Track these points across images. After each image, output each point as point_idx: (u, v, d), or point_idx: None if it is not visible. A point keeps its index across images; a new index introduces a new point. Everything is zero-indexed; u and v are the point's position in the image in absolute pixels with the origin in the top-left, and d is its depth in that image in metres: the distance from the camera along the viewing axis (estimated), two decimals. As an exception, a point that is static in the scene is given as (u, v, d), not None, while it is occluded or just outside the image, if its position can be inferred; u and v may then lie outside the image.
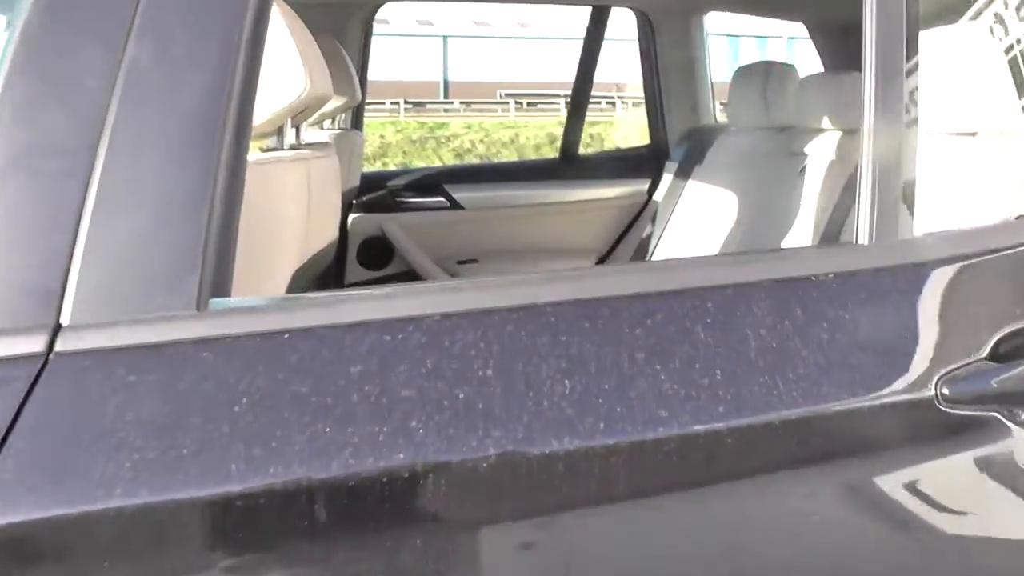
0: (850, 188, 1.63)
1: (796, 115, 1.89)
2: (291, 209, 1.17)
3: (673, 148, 2.53)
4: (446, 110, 13.37)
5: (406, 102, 12.72)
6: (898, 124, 0.86)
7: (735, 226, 2.01)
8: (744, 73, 2.12)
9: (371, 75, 2.53)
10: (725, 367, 0.73)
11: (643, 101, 2.64)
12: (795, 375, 0.74)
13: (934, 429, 0.80)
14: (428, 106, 13.31)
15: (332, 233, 1.56)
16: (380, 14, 2.45)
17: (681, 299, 0.75)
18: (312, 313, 0.68)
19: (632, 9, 2.53)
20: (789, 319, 0.76)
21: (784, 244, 1.73)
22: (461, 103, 13.63)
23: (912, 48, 0.87)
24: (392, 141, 10.17)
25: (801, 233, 1.70)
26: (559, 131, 3.02)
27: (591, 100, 2.65)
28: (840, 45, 2.32)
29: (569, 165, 2.60)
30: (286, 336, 0.65)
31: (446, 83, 14.54)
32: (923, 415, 0.78)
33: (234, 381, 0.63)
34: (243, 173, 0.68)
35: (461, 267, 2.40)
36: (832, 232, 1.59)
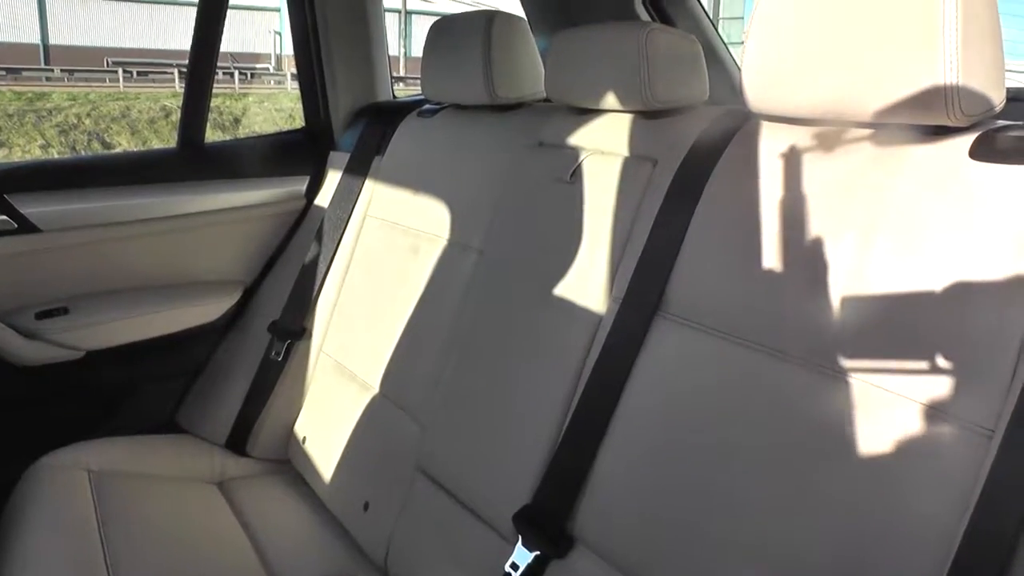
0: (649, 200, 1.12)
1: (551, 83, 1.33)
2: None
3: (339, 134, 1.88)
4: (47, 78, 12.30)
5: (-1, 68, 11.37)
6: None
7: (460, 228, 1.42)
8: (452, 24, 1.52)
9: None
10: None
11: (293, 73, 1.94)
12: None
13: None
14: (25, 73, 12.32)
15: None
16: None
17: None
18: None
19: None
20: None
21: (561, 250, 1.18)
22: (63, 71, 12.46)
23: None
24: (-22, 114, 8.87)
25: (591, 243, 1.16)
26: (176, 104, 2.19)
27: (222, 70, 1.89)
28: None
29: (193, 159, 1.79)
30: None
31: (46, 47, 13.20)
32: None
33: None
34: None
35: (43, 323, 1.54)
36: (652, 269, 1.06)
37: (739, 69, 0.98)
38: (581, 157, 1.23)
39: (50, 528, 1.26)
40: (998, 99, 0.84)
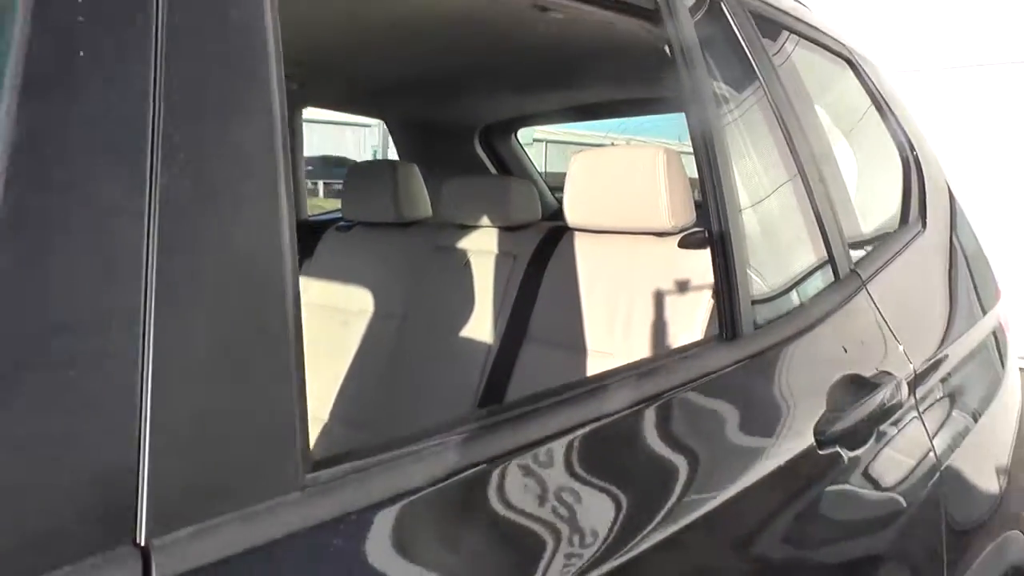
0: (512, 281, 1.83)
1: (444, 211, 2.03)
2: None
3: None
4: None
5: None
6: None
7: (381, 323, 2.05)
8: (368, 168, 2.21)
9: None
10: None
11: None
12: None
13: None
14: None
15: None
16: None
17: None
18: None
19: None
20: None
21: (464, 335, 1.84)
22: None
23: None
24: None
25: (480, 324, 1.84)
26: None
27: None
28: (416, 140, 2.60)
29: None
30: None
31: None
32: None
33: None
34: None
35: None
36: (518, 323, 1.76)
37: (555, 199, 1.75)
38: (468, 255, 1.95)
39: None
40: (691, 217, 1.63)
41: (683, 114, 1.14)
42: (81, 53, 0.46)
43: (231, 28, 0.54)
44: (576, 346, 1.66)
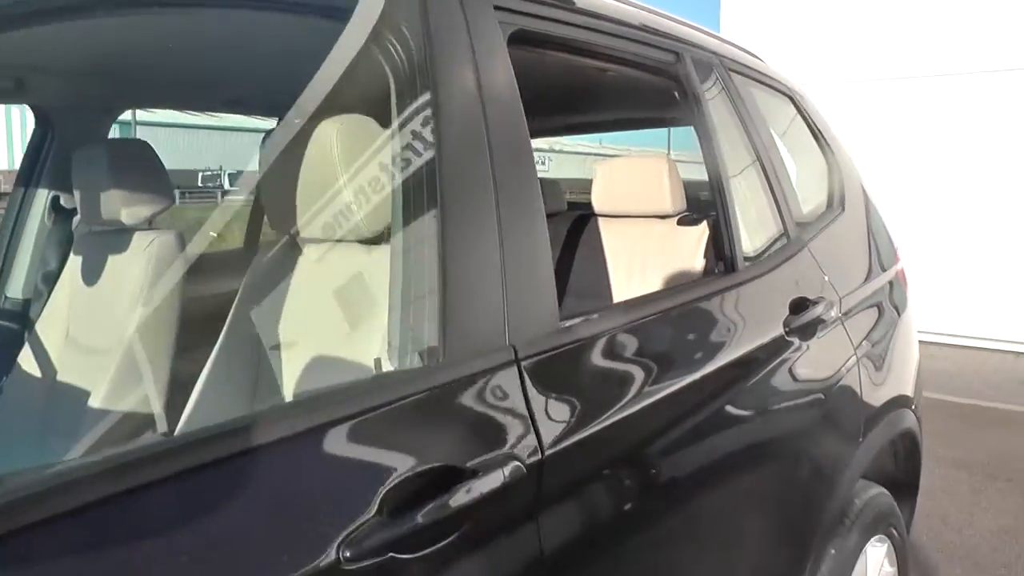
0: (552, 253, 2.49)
1: None
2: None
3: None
4: None
5: None
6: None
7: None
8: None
9: None
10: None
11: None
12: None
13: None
14: None
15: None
16: None
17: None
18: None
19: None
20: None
21: None
22: None
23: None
24: None
25: None
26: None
27: None
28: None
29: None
30: None
31: None
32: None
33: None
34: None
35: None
36: (559, 283, 2.42)
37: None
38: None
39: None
40: (684, 205, 2.32)
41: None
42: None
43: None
44: (605, 296, 2.33)
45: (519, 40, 1.24)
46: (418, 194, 1.06)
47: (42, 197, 2.28)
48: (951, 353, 6.47)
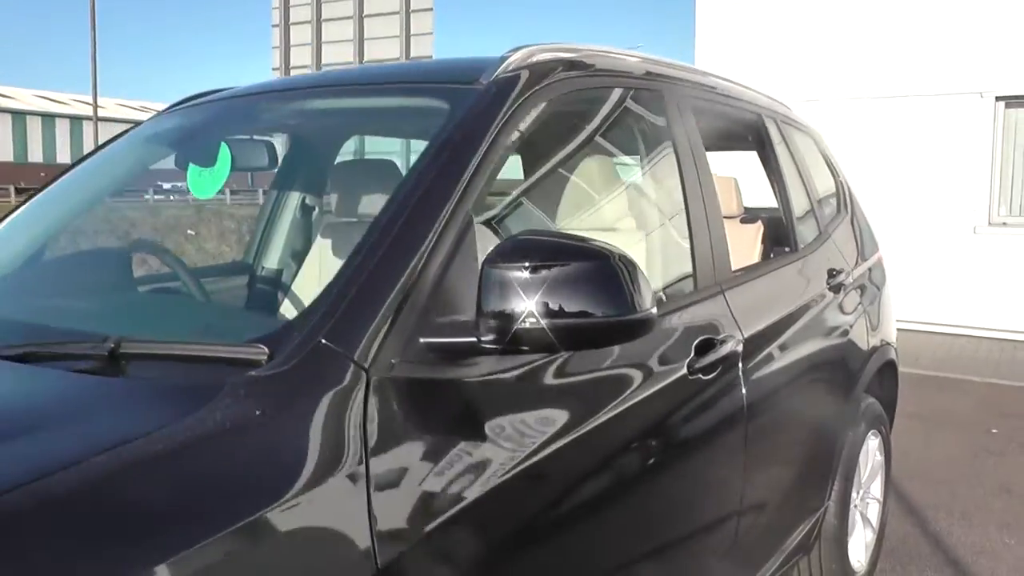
0: None
1: None
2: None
3: None
4: None
5: None
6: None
7: None
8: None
9: None
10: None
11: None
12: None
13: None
14: None
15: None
16: None
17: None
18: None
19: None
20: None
21: None
22: None
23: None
24: None
25: None
26: None
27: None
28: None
29: None
30: None
31: None
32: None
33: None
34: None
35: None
36: None
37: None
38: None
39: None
40: (743, 209, 3.35)
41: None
42: None
43: None
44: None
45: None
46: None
47: (294, 198, 3.22)
48: (910, 336, 7.78)
